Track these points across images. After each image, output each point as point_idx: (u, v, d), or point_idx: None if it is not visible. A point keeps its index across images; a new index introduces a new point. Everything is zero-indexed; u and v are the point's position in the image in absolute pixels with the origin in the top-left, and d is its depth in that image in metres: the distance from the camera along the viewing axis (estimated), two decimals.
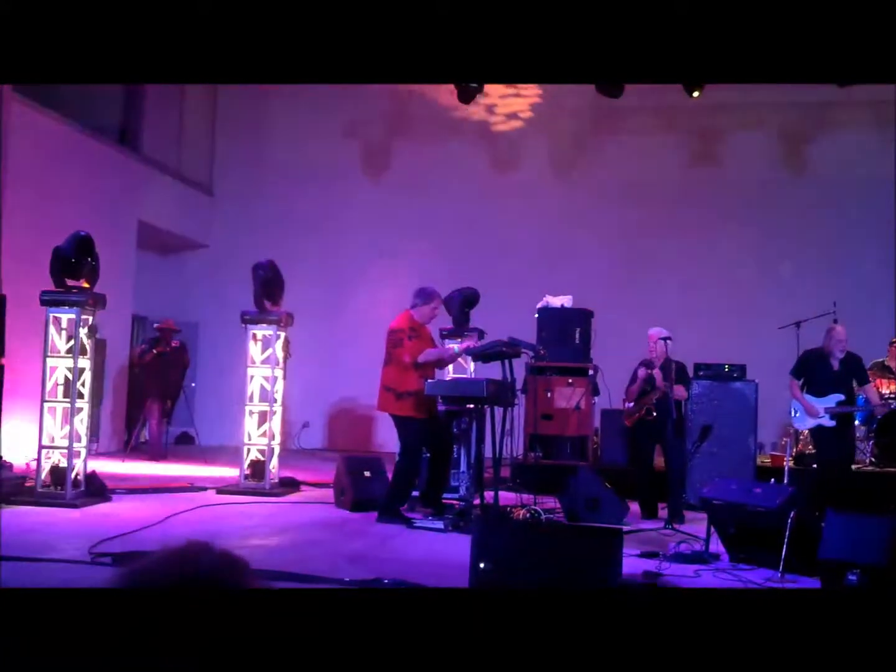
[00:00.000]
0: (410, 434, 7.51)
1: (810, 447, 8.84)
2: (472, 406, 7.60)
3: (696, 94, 10.93)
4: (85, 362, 7.95)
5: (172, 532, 6.59)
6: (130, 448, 12.18)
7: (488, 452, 7.50)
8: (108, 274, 8.62)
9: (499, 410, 7.46)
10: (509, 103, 13.47)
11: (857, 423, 9.53)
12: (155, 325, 12.21)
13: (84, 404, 7.99)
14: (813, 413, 7.92)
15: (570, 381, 9.70)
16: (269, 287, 9.10)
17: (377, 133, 14.26)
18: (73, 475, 7.72)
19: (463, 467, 8.50)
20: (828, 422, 7.92)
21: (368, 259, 13.72)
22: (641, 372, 8.11)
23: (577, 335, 9.91)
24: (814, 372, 8.04)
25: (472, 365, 9.60)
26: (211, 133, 14.67)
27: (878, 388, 9.30)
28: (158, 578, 1.12)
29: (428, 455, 7.79)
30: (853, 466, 9.16)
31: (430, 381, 7.34)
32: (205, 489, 8.87)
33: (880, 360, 10.02)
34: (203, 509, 7.75)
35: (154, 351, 11.74)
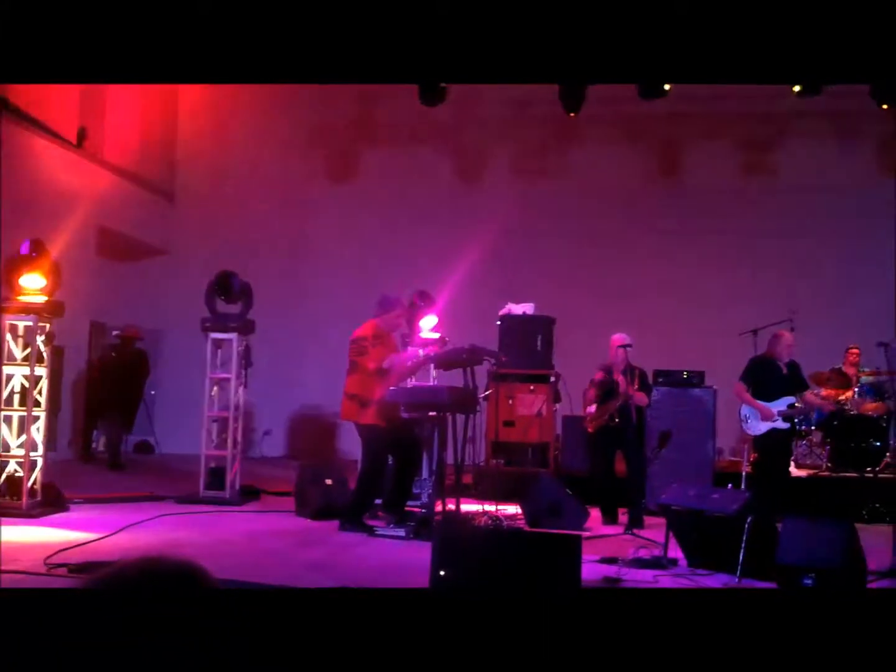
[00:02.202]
0: (375, 442, 7.48)
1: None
2: (433, 413, 7.61)
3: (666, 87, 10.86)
4: (42, 370, 7.86)
5: (131, 542, 6.52)
6: (88, 457, 12.04)
7: (450, 459, 7.51)
8: (66, 280, 8.51)
9: (461, 417, 7.47)
10: (475, 110, 13.50)
11: (812, 427, 9.70)
12: (115, 333, 12.08)
13: (41, 412, 7.89)
14: (768, 416, 8.04)
15: (531, 388, 9.75)
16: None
17: (341, 139, 14.23)
18: (29, 485, 7.62)
19: (425, 474, 8.51)
20: (781, 424, 8.07)
21: (331, 266, 13.69)
22: (599, 375, 8.19)
23: (539, 342, 9.97)
24: (764, 377, 8.20)
25: (434, 372, 9.62)
26: (172, 138, 14.55)
27: (834, 396, 9.46)
28: (120, 588, 1.12)
29: (393, 463, 7.77)
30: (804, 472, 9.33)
31: (391, 388, 7.32)
32: (164, 498, 8.79)
33: (837, 366, 10.18)
34: (162, 519, 7.68)
35: (113, 354, 11.62)
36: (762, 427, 8.13)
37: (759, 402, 8.13)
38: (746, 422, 8.24)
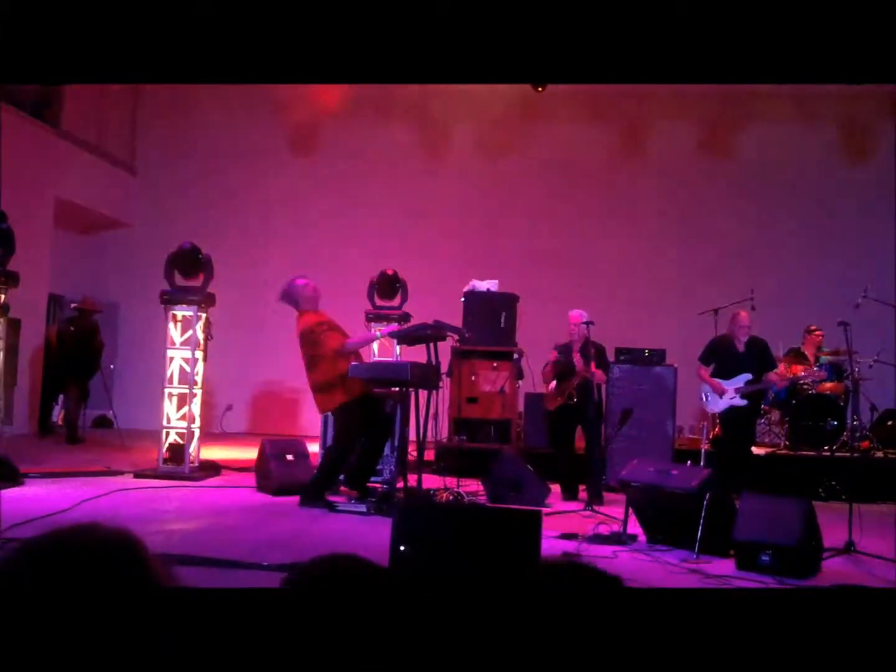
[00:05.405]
0: (350, 420, 7.38)
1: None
2: (396, 389, 7.57)
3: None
4: None
5: (86, 517, 6.43)
6: (46, 431, 11.88)
7: (412, 435, 7.48)
8: (23, 251, 8.34)
9: (423, 393, 7.44)
10: (439, 84, 13.38)
11: (768, 405, 9.82)
12: (73, 305, 11.89)
13: None
14: (721, 392, 8.23)
15: (494, 364, 9.74)
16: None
17: (304, 111, 14.06)
18: None
19: (387, 450, 8.48)
20: (739, 401, 8.23)
21: (294, 239, 13.56)
22: (552, 355, 8.23)
23: (503, 319, 9.95)
24: (721, 356, 8.44)
25: (397, 348, 9.59)
26: (133, 109, 14.30)
27: (794, 374, 9.55)
28: (32, 567, 1.05)
29: (364, 441, 7.60)
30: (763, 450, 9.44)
31: (353, 364, 7.26)
32: (122, 473, 8.68)
33: (796, 346, 10.27)
34: (119, 493, 7.58)
35: (70, 327, 11.45)
36: (721, 404, 8.33)
37: (713, 379, 8.34)
38: (706, 399, 8.46)
